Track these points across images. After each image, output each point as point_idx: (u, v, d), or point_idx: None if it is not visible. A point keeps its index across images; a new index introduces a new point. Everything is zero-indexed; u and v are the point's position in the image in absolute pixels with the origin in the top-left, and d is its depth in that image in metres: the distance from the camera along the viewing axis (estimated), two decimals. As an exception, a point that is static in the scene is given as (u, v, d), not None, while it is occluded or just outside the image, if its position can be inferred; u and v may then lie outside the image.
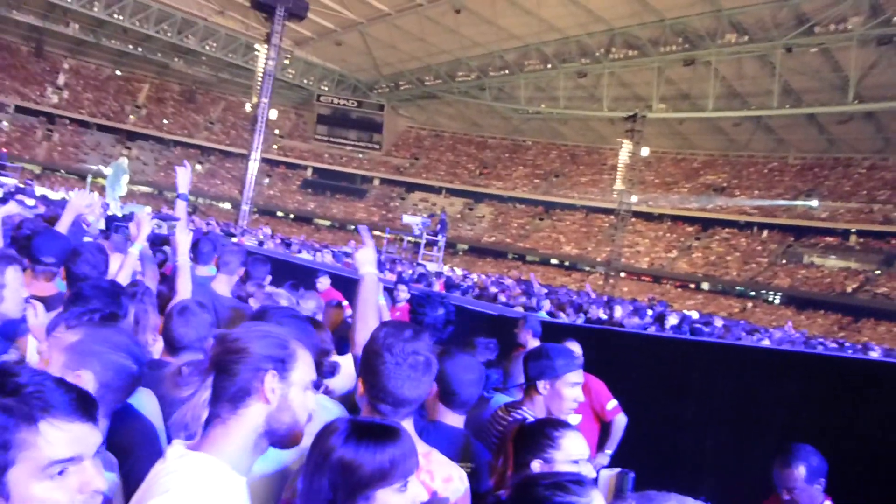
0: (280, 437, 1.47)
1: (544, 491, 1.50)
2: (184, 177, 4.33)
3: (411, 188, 53.42)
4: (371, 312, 2.50)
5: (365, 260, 2.65)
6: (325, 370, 2.66)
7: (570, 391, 2.63)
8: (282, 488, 1.76)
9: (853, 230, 37.50)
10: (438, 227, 23.88)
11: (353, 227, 50.35)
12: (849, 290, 34.99)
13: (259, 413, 1.44)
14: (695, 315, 14.26)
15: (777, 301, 37.76)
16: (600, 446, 4.23)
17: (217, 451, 1.41)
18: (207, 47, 44.40)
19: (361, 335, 2.28)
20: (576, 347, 4.34)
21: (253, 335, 1.49)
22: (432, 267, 18.98)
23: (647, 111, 37.71)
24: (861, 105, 32.34)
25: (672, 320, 11.54)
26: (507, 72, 42.45)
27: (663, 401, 4.38)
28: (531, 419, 2.43)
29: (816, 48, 31.38)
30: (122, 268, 3.47)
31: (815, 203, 39.04)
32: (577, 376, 2.69)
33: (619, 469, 2.44)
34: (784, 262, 38.73)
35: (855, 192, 38.44)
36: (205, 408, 1.44)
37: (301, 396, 1.48)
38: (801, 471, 2.73)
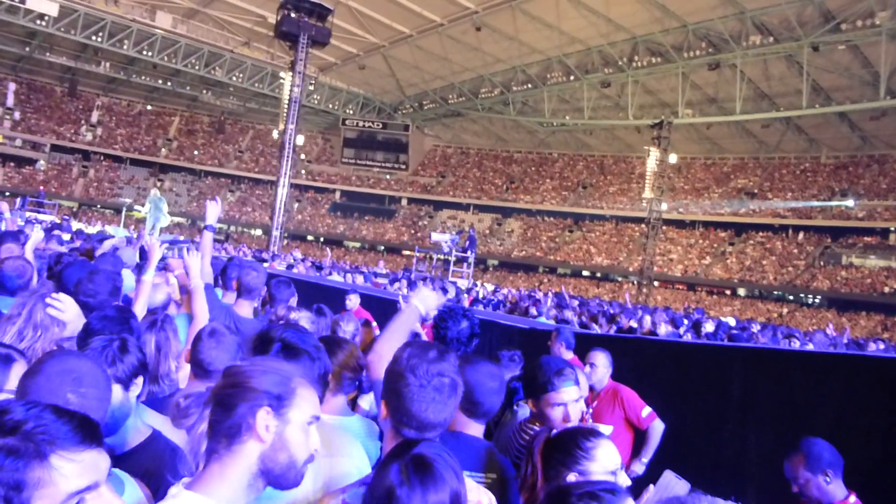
0: (276, 477, 1.42)
1: (577, 501, 1.47)
2: (213, 211, 4.45)
3: (439, 206, 53.59)
4: (397, 339, 2.43)
5: (425, 297, 2.65)
6: (362, 385, 2.65)
7: (555, 411, 2.48)
8: None
9: (892, 228, 36.57)
10: (467, 243, 23.87)
11: (382, 247, 50.62)
12: (890, 289, 34.05)
13: (253, 451, 1.39)
14: (731, 322, 13.97)
15: (817, 304, 36.91)
16: (635, 454, 4.14)
17: (210, 490, 1.38)
18: (234, 78, 45.27)
19: (377, 355, 2.26)
20: (602, 358, 4.29)
21: (256, 370, 1.45)
22: (462, 283, 18.95)
23: (674, 117, 37.36)
24: (894, 100, 31.64)
25: (708, 327, 11.32)
26: (530, 86, 42.50)
27: (700, 407, 4.29)
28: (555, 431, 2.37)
29: (844, 45, 30.83)
30: (139, 295, 3.51)
31: (851, 202, 38.21)
32: (562, 395, 2.50)
33: (685, 481, 2.36)
34: (822, 263, 37.89)
35: (892, 189, 37.55)
36: (202, 441, 1.42)
37: (299, 435, 1.43)
38: (802, 461, 2.76)
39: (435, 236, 26.51)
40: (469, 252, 23.52)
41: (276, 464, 1.40)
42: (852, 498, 2.73)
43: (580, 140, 50.15)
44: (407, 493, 1.39)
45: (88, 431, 1.13)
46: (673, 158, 39.27)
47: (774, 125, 39.81)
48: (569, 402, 2.51)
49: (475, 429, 2.20)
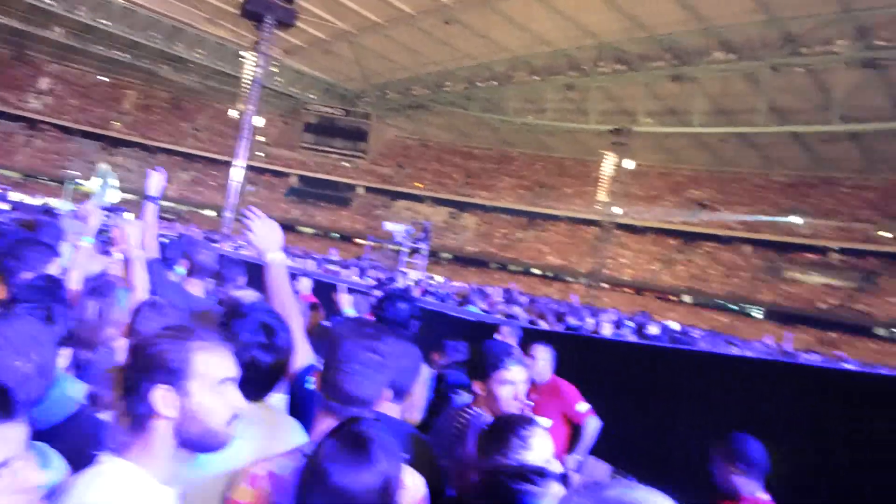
0: (198, 445, 1.39)
1: (507, 481, 1.48)
2: (156, 180, 4.27)
3: (396, 197, 53.42)
4: (288, 302, 2.35)
5: (265, 243, 2.40)
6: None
7: (504, 389, 2.52)
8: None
9: (835, 247, 37.89)
10: (422, 235, 23.89)
11: (336, 235, 50.25)
12: (828, 306, 35.30)
13: (164, 427, 1.37)
14: (675, 326, 14.31)
15: (759, 315, 38.01)
16: (571, 450, 4.20)
17: (137, 460, 1.36)
18: (196, 55, 44.25)
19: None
20: (544, 353, 4.33)
21: (152, 344, 1.40)
22: (414, 275, 18.96)
23: (634, 125, 37.96)
24: (845, 125, 32.75)
25: (652, 330, 11.57)
26: (495, 83, 42.64)
27: (641, 405, 4.38)
28: (488, 418, 2.38)
29: (803, 68, 31.75)
30: (74, 262, 3.40)
31: (798, 220, 39.42)
32: (513, 374, 2.55)
33: (606, 464, 2.40)
34: (766, 276, 39.03)
35: (837, 210, 38.87)
36: (121, 417, 1.39)
37: (209, 400, 1.38)
38: (724, 454, 2.87)
39: (389, 226, 26.42)
40: (423, 244, 23.53)
41: (191, 434, 1.37)
42: (765, 496, 2.82)
43: (541, 140, 50.56)
44: (337, 469, 1.38)
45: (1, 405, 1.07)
46: (630, 165, 39.93)
47: (730, 140, 40.77)
48: (518, 381, 2.55)
49: (395, 409, 2.17)
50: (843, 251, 37.50)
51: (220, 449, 1.42)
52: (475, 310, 8.55)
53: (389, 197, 53.64)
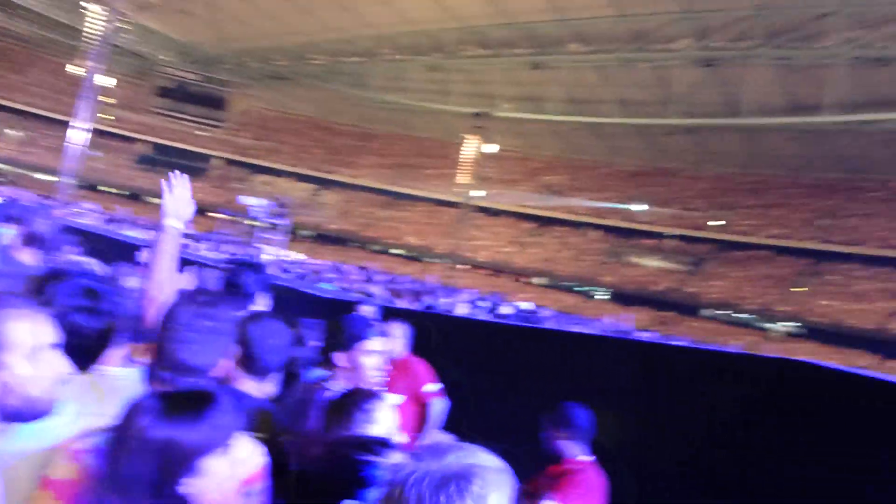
0: (19, 415, 1.33)
1: (349, 450, 1.50)
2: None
3: (256, 170, 51.57)
4: (166, 271, 2.27)
5: (175, 208, 2.36)
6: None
7: (367, 360, 2.61)
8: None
9: (670, 234, 41.08)
10: (280, 211, 23.29)
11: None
12: (663, 288, 38.33)
13: None
14: (528, 306, 14.98)
15: (605, 297, 40.49)
16: (419, 429, 4.29)
17: None
18: (34, 0, 40.15)
19: (153, 294, 2.14)
20: (399, 330, 4.40)
21: None
22: (271, 251, 18.48)
23: (494, 110, 38.93)
24: (683, 120, 35.44)
25: (505, 310, 12.05)
26: (359, 59, 42.08)
27: (493, 379, 4.56)
28: (337, 392, 2.40)
29: (648, 64, 33.92)
30: None
31: (639, 207, 42.29)
32: (373, 344, 2.65)
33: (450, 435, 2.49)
34: (610, 260, 41.64)
35: (673, 199, 42.09)
36: None
37: (29, 368, 1.32)
38: (554, 420, 3.13)
39: (244, 199, 25.49)
40: (281, 220, 22.96)
41: (9, 405, 1.30)
42: (587, 458, 3.08)
43: (404, 120, 50.60)
44: (153, 423, 1.29)
45: None
46: (491, 149, 41.00)
47: (584, 130, 42.86)
48: (380, 352, 2.63)
49: (250, 386, 2.14)
50: (677, 237, 40.75)
51: (43, 417, 1.35)
52: (332, 287, 8.50)
53: (248, 170, 51.66)
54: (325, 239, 46.76)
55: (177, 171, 2.48)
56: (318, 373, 2.85)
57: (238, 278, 3.08)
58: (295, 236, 43.47)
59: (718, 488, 3.28)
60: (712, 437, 3.41)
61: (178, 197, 2.39)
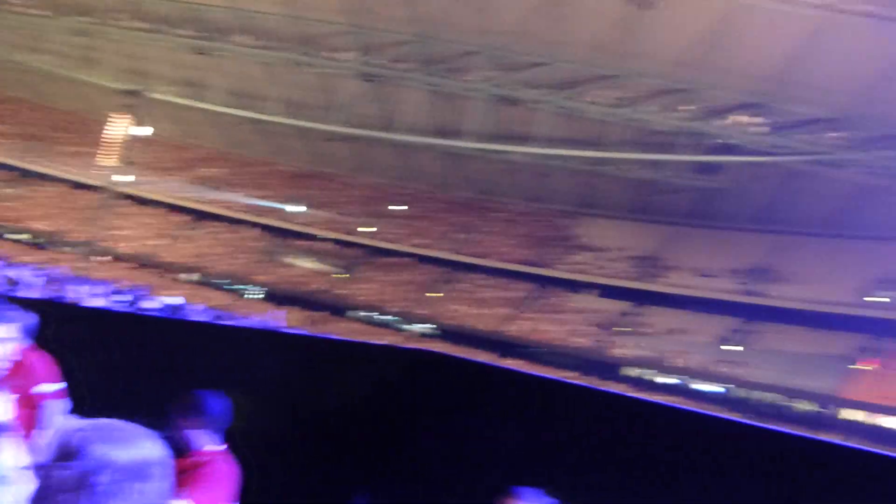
0: None
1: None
2: None
3: None
4: None
5: None
6: None
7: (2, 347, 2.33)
8: None
9: (325, 237, 42.43)
10: None
11: None
12: (317, 289, 39.41)
13: None
14: (174, 301, 14.15)
15: (259, 296, 40.04)
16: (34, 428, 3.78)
17: None
18: None
19: None
20: (17, 321, 3.83)
21: None
22: None
23: (152, 91, 36.02)
24: (344, 128, 36.95)
25: (150, 304, 11.21)
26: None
27: (126, 373, 4.21)
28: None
29: (315, 69, 34.67)
30: None
31: (298, 209, 42.87)
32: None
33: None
34: (267, 259, 41.45)
35: (330, 204, 43.56)
36: None
37: None
38: (177, 411, 2.96)
39: None
40: None
41: None
42: (218, 448, 2.99)
43: (38, 85, 44.00)
44: None
45: None
46: (142, 131, 37.75)
47: (247, 125, 41.98)
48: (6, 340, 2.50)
49: None
50: (331, 241, 42.25)
51: None
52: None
53: None
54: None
55: None
56: None
57: None
58: None
59: (359, 463, 3.50)
60: (353, 421, 3.62)
61: None
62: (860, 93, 26.06)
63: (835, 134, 28.42)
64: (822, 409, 28.89)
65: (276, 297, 38.87)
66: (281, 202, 43.08)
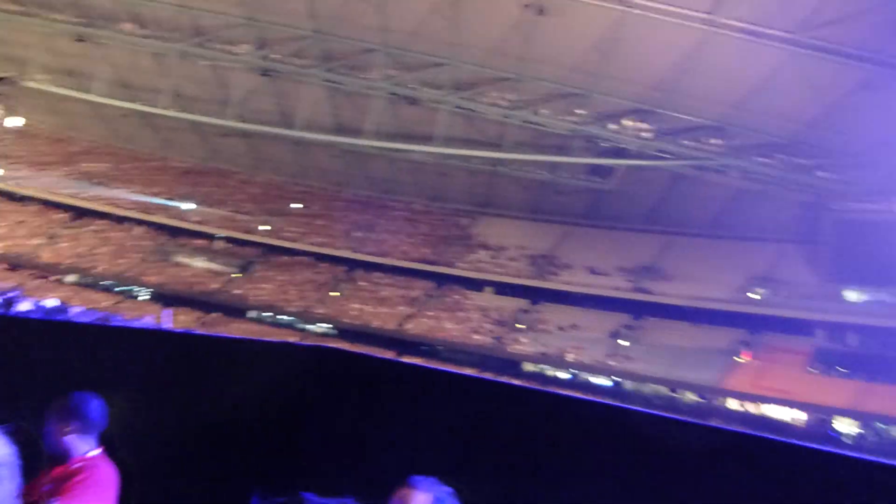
0: None
1: None
2: None
3: None
4: None
5: None
6: None
7: None
8: None
9: (220, 235, 41.02)
10: None
11: None
12: (211, 289, 38.04)
13: None
14: (52, 303, 13.27)
15: (146, 297, 38.21)
16: None
17: None
18: None
19: None
20: None
21: None
22: None
23: (24, 78, 33.59)
24: (239, 123, 35.79)
25: (24, 306, 10.47)
26: None
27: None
28: None
29: (208, 62, 33.41)
30: None
31: (189, 206, 41.21)
32: None
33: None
34: (156, 259, 39.62)
35: (225, 201, 42.17)
36: None
37: None
38: (51, 415, 2.76)
39: None
40: None
41: None
42: (95, 452, 2.81)
43: None
44: None
45: None
46: (15, 122, 35.11)
47: (132, 117, 39.89)
48: None
49: None
50: (226, 239, 40.88)
51: None
52: None
53: None
54: None
55: None
56: None
57: None
58: None
59: (253, 462, 3.41)
60: (247, 419, 3.52)
61: None
62: (737, 103, 27.85)
63: (716, 141, 30.23)
64: (704, 399, 30.65)
65: (166, 298, 37.19)
66: (172, 199, 41.30)
